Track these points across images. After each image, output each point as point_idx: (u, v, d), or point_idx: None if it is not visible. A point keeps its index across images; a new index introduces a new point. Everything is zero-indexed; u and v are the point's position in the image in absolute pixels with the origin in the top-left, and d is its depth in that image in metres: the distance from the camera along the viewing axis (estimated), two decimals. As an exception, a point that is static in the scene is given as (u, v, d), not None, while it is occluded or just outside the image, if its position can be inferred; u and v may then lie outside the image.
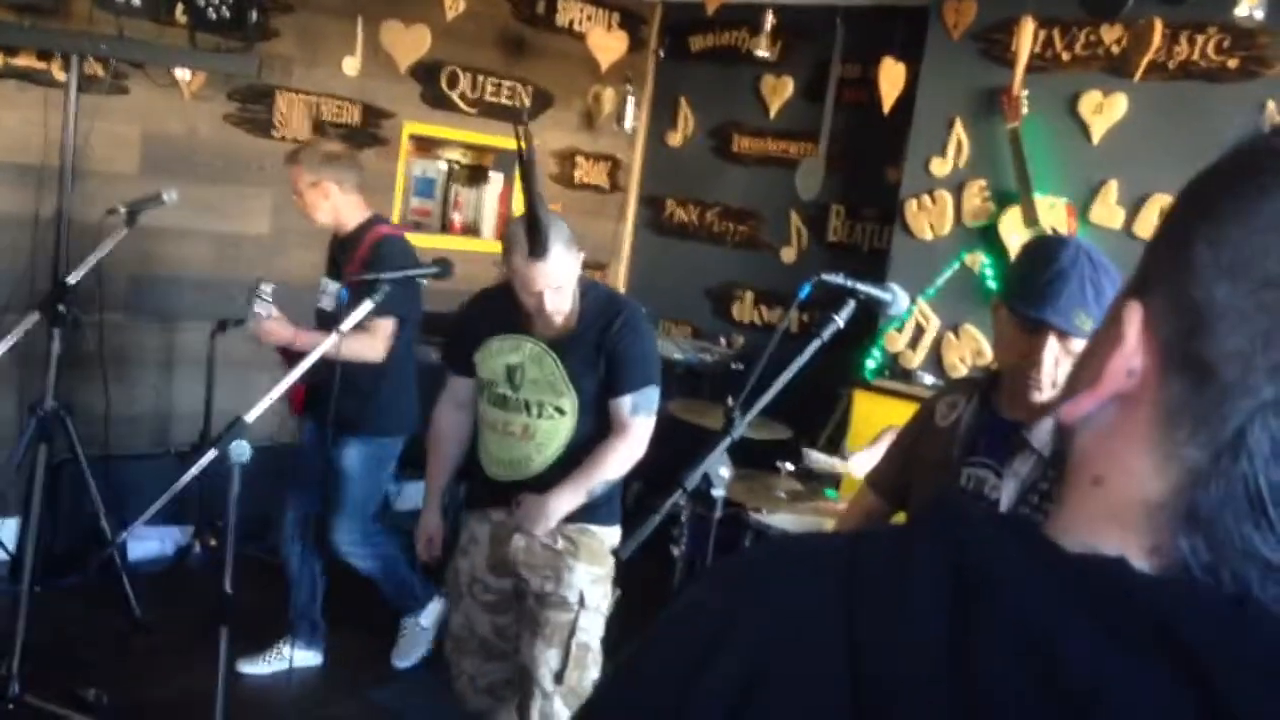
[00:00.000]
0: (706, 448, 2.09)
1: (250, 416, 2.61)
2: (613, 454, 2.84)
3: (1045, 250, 1.81)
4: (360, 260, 3.67)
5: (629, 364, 2.81)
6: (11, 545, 4.04)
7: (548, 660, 2.83)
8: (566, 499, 2.82)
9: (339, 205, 3.77)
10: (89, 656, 3.83)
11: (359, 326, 3.42)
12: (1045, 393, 1.79)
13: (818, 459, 3.83)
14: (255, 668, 3.96)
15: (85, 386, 4.12)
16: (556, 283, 2.73)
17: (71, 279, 3.68)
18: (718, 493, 2.09)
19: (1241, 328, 0.52)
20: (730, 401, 2.15)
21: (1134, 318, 0.57)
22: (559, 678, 2.84)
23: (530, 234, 2.65)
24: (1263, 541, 0.51)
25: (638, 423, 2.84)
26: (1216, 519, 0.52)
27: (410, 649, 4.19)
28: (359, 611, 4.19)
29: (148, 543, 4.66)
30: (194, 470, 2.63)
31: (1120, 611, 0.51)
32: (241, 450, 2.55)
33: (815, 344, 2.03)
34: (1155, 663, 0.49)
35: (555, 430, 2.84)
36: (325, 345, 2.94)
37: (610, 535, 2.95)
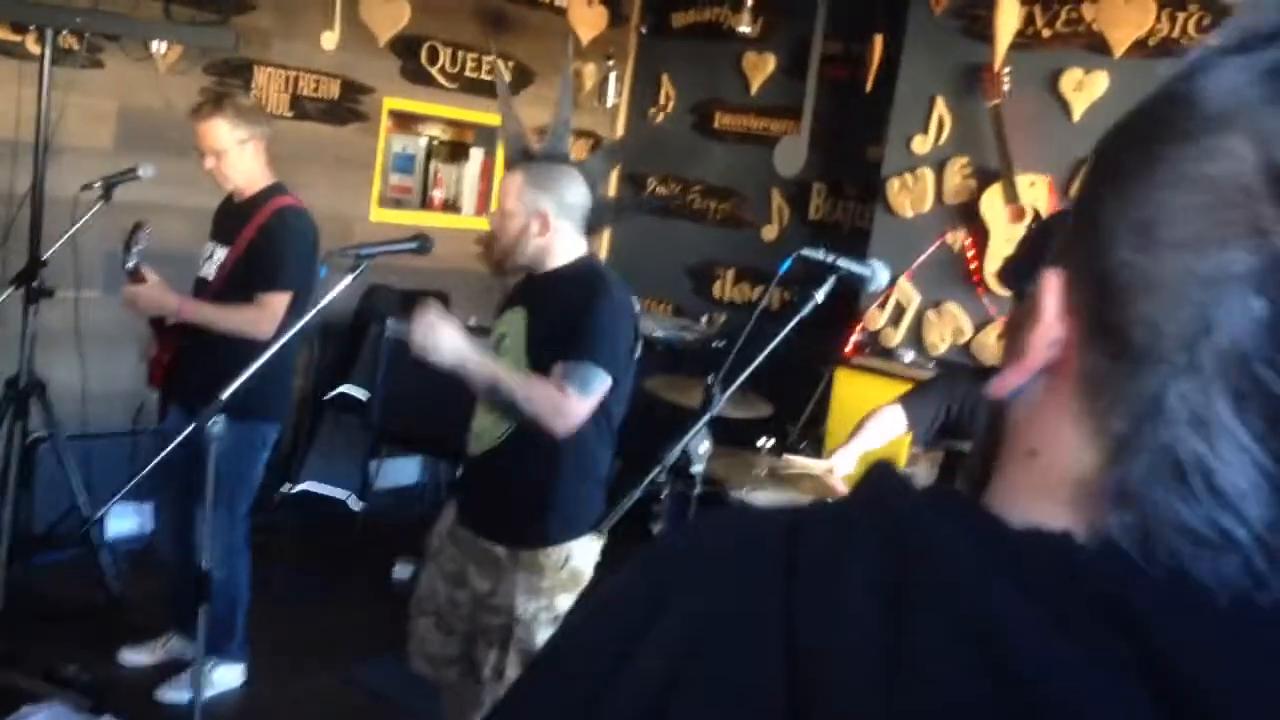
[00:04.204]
0: (686, 425, 2.09)
1: (226, 393, 2.59)
2: (532, 386, 2.58)
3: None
4: (257, 228, 3.42)
5: (574, 333, 2.63)
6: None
7: (489, 658, 2.82)
8: (467, 347, 2.59)
9: (256, 165, 3.46)
10: (67, 633, 3.81)
11: (246, 299, 3.31)
12: None
13: (797, 463, 3.82)
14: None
15: (61, 363, 4.09)
16: (507, 205, 2.74)
17: (46, 254, 3.66)
18: (696, 468, 2.09)
19: (1149, 293, 0.50)
20: (710, 378, 2.15)
21: (1051, 287, 0.55)
22: (500, 674, 2.84)
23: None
24: (1190, 513, 0.49)
25: (566, 391, 2.58)
26: (1145, 493, 0.50)
27: (184, 686, 3.36)
28: (337, 584, 4.18)
29: (125, 520, 4.64)
30: (171, 446, 2.62)
31: (1069, 590, 0.49)
32: (219, 426, 2.54)
33: (796, 319, 2.04)
34: (1106, 644, 0.47)
35: None
36: (304, 319, 2.88)
37: (568, 549, 2.73)
